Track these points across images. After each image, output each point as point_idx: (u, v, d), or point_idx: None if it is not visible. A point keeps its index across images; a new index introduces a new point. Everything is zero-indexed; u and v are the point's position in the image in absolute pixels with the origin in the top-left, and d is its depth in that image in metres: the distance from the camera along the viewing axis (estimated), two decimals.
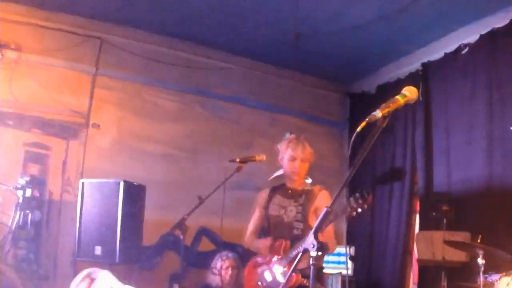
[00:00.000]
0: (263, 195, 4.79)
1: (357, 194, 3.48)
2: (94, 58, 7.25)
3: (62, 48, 6.92)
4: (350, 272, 7.10)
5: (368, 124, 2.50)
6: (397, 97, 2.63)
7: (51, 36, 6.95)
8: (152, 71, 7.59)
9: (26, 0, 6.69)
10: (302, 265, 3.84)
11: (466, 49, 6.62)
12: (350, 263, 7.14)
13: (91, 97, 7.18)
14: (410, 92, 2.66)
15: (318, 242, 2.43)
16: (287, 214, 4.54)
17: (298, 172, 4.60)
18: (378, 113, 2.52)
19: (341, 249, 6.99)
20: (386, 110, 2.54)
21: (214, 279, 6.10)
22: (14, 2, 6.67)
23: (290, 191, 4.65)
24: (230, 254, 6.28)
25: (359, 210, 3.50)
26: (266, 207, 4.70)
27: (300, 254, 2.54)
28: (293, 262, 4.12)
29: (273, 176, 4.89)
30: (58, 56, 6.91)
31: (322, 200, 4.50)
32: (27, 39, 6.76)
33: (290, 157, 4.60)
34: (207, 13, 6.88)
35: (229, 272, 6.09)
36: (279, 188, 4.74)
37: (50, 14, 6.92)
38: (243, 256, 6.50)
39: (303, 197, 4.54)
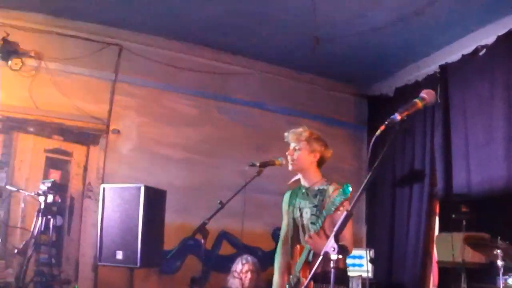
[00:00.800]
0: (284, 199, 4.57)
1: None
2: (114, 64, 7.32)
3: (81, 55, 6.99)
4: (370, 274, 7.07)
5: (386, 127, 2.52)
6: (416, 100, 2.65)
7: (70, 44, 7.03)
8: (171, 77, 7.63)
9: (45, 9, 6.78)
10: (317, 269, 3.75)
11: (484, 51, 6.57)
12: (370, 266, 7.12)
13: (111, 103, 7.26)
14: (428, 95, 2.67)
15: (339, 245, 2.44)
16: (303, 216, 4.28)
17: (291, 159, 4.34)
18: (397, 117, 2.54)
19: (361, 252, 7.00)
20: (405, 113, 2.56)
21: (234, 283, 6.12)
22: (34, 11, 6.77)
23: (305, 191, 4.34)
24: (250, 258, 6.28)
25: (341, 208, 3.42)
26: (287, 211, 4.48)
27: (321, 258, 2.54)
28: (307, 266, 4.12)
29: (292, 180, 4.83)
30: (77, 64, 6.98)
31: None
32: (46, 47, 6.85)
33: None
34: (224, 19, 6.90)
35: (249, 275, 6.09)
36: (299, 189, 4.45)
37: (69, 22, 7.01)
38: (263, 260, 6.53)
39: (318, 197, 4.18)
